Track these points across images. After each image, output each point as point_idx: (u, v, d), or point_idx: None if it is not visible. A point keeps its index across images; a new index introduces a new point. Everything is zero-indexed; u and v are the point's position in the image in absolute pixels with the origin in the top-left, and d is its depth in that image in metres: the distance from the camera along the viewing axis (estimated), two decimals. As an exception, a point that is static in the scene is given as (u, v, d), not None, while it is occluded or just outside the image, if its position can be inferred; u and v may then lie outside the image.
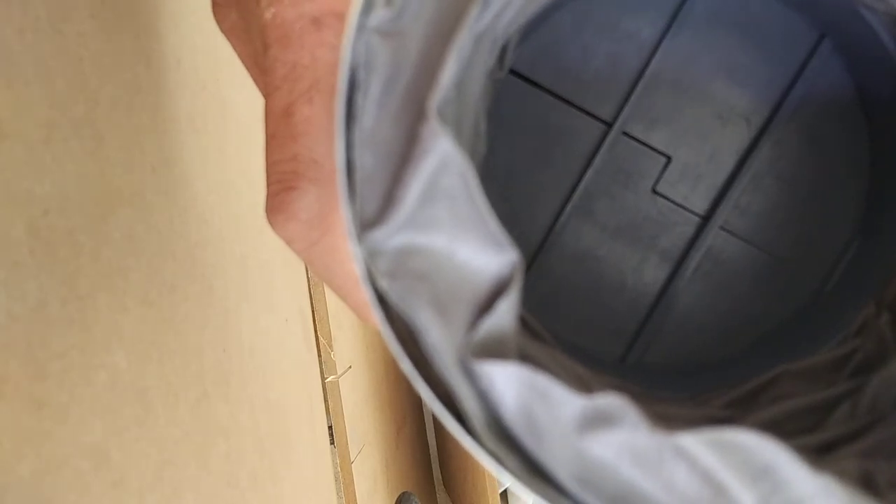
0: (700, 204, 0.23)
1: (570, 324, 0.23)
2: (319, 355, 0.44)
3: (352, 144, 0.11)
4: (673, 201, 0.23)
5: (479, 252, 0.11)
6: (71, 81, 0.18)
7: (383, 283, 0.11)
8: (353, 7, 0.11)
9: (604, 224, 0.23)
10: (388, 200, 0.11)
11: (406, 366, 0.11)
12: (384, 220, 0.11)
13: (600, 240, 0.23)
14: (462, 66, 0.12)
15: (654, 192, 0.23)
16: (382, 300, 0.12)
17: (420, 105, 0.11)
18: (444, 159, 0.11)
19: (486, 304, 0.11)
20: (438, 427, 0.81)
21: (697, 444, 0.11)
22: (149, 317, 0.21)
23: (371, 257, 0.11)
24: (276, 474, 0.32)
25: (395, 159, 0.11)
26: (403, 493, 0.55)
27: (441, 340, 0.11)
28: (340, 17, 0.15)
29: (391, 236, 0.11)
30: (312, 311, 0.43)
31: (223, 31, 0.18)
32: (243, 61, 0.18)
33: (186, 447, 0.23)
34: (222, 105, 0.30)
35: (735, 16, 0.21)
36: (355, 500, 0.46)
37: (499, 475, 0.11)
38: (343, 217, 0.12)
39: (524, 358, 0.12)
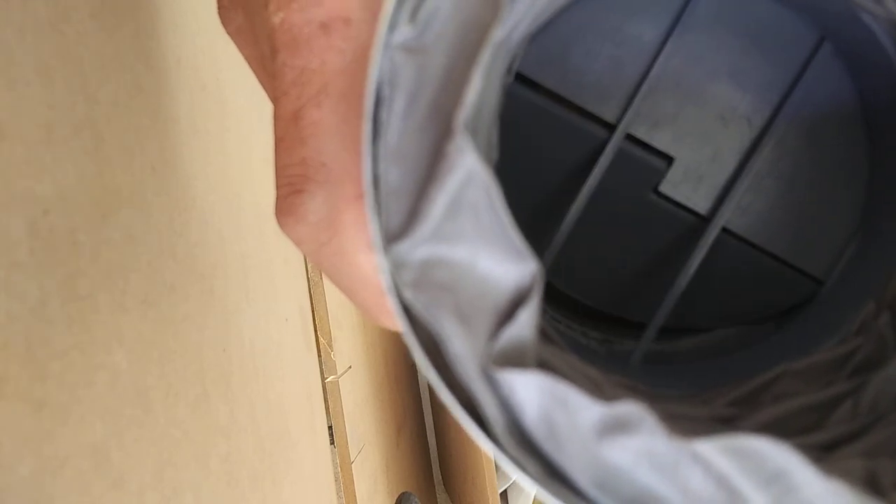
0: (702, 204, 0.23)
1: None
2: (319, 355, 0.44)
3: (377, 159, 0.12)
4: (676, 202, 0.23)
5: (499, 263, 0.12)
6: (71, 81, 0.18)
7: (408, 294, 0.12)
8: (378, 25, 0.12)
9: (607, 225, 0.23)
10: (414, 214, 0.12)
11: (431, 374, 0.12)
12: (409, 233, 0.12)
13: (603, 241, 0.23)
14: (484, 81, 0.12)
15: (657, 192, 0.23)
16: (406, 310, 0.12)
17: (444, 120, 0.12)
18: (470, 174, 0.11)
19: (507, 314, 0.12)
20: (438, 427, 0.81)
21: (713, 449, 0.11)
22: (149, 317, 0.21)
23: (396, 269, 0.12)
24: (276, 474, 0.32)
25: (420, 174, 0.12)
26: (403, 493, 0.55)
27: (464, 349, 0.11)
28: (348, 21, 0.15)
29: (416, 248, 0.12)
30: (312, 311, 0.43)
31: (228, 33, 0.18)
32: (249, 64, 0.18)
33: (186, 447, 0.23)
34: (222, 105, 0.30)
35: (737, 19, 0.21)
36: (355, 500, 0.46)
37: (519, 479, 0.12)
38: (368, 229, 0.12)
39: (542, 364, 0.12)
